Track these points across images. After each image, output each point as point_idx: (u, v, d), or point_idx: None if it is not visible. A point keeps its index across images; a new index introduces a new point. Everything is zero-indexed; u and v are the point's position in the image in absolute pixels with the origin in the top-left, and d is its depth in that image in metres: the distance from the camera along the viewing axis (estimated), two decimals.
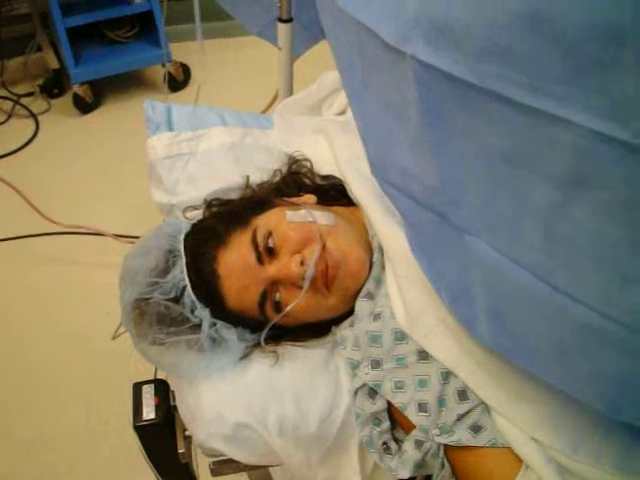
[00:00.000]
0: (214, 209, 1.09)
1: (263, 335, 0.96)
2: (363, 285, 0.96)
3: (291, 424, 0.92)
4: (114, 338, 1.23)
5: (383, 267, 0.96)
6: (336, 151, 1.08)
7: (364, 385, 0.90)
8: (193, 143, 1.24)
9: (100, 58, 3.02)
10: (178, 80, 3.12)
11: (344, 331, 0.97)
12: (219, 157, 1.22)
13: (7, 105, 3.12)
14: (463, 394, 0.84)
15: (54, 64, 3.13)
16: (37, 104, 3.13)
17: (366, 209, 0.98)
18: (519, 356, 0.69)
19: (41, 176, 2.72)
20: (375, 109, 0.67)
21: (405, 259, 0.88)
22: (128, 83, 3.17)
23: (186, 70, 3.15)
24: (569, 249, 0.53)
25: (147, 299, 0.92)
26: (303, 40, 1.64)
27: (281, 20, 1.56)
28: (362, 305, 0.94)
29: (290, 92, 1.59)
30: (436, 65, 0.51)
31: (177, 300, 0.93)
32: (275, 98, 1.65)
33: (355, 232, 0.99)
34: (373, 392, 0.90)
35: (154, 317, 0.92)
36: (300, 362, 0.97)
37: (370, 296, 0.94)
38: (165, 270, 0.94)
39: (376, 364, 0.90)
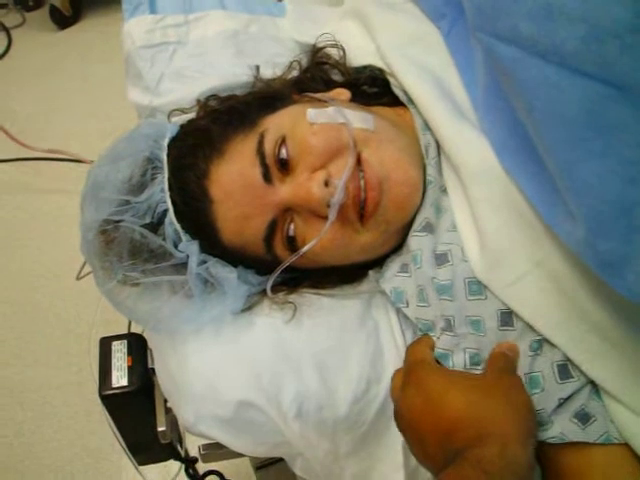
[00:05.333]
0: (211, 107, 0.81)
1: (270, 281, 0.71)
2: (415, 215, 0.70)
3: (314, 404, 0.67)
4: (79, 278, 0.99)
5: (443, 189, 0.70)
6: (377, 35, 0.80)
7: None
8: (182, 29, 0.96)
9: None
10: None
11: (396, 281, 0.70)
12: (215, 48, 0.94)
13: None
14: (564, 370, 0.60)
15: None
16: (10, 17, 2.86)
17: (424, 106, 0.71)
18: None
19: (12, 96, 2.48)
20: None
21: (487, 175, 0.63)
22: None
23: None
24: None
25: (116, 222, 0.66)
26: None
27: None
28: (421, 242, 0.68)
29: None
30: None
31: (154, 229, 0.68)
32: None
33: (404, 141, 0.72)
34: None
35: (126, 247, 0.68)
36: (325, 317, 0.72)
37: (430, 229, 0.68)
38: (141, 185, 0.69)
39: (448, 325, 0.64)
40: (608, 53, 0.41)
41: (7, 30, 2.78)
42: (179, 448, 0.94)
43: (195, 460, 1.01)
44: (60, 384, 1.64)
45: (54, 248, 1.94)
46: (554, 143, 0.49)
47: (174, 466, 1.01)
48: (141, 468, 1.18)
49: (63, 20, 2.77)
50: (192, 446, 0.97)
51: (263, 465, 1.43)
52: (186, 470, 1.00)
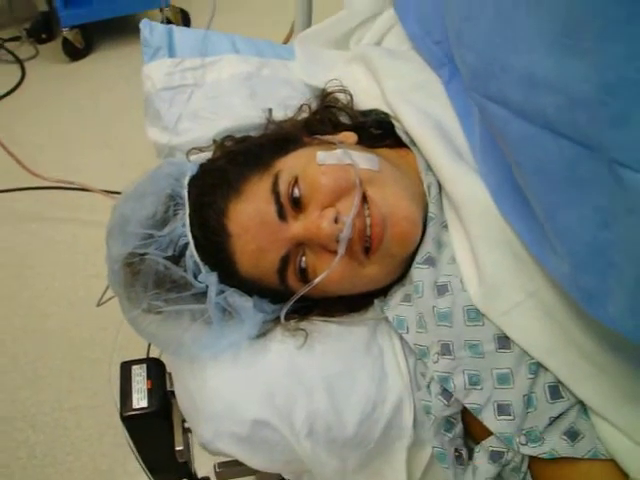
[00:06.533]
0: (227, 148, 0.87)
1: (284, 310, 0.76)
2: (417, 249, 0.75)
3: (323, 424, 0.72)
4: (99, 305, 1.04)
5: (444, 225, 0.75)
6: (382, 81, 0.86)
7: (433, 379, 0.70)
8: (199, 72, 1.02)
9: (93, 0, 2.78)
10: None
11: (399, 309, 0.76)
12: (230, 90, 1.00)
13: None
14: (555, 391, 0.65)
15: (42, 6, 2.89)
16: (24, 49, 2.91)
17: (426, 149, 0.77)
18: None
19: (25, 126, 2.51)
20: None
21: (484, 214, 0.68)
22: (122, 29, 2.92)
23: (185, 17, 2.91)
24: None
25: (142, 255, 0.71)
26: None
27: None
28: (422, 274, 0.73)
29: (308, 24, 1.35)
30: None
31: (176, 261, 0.73)
32: (291, 33, 1.41)
33: (406, 181, 0.78)
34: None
35: (150, 278, 0.73)
36: (334, 343, 0.77)
37: (431, 262, 0.74)
38: (164, 220, 0.74)
39: (446, 349, 0.69)
40: (579, 120, 0.47)
41: (21, 62, 2.83)
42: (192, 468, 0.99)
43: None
44: (72, 407, 1.67)
45: (66, 275, 1.98)
46: (538, 192, 0.55)
47: None
48: None
49: (75, 52, 2.82)
50: (200, 468, 1.01)
51: None
52: None
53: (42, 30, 2.93)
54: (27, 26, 2.93)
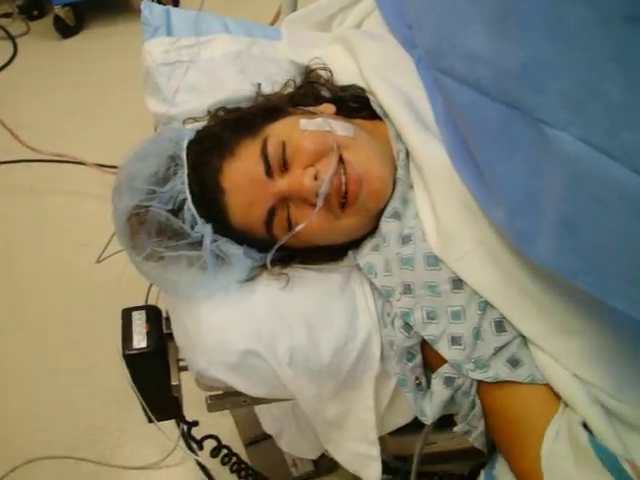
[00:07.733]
0: (221, 117, 0.98)
1: (270, 256, 0.87)
2: (386, 205, 0.86)
3: (302, 354, 0.83)
4: (99, 262, 1.14)
5: (410, 186, 0.87)
6: (360, 59, 0.97)
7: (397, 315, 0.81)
8: (194, 50, 1.12)
9: None
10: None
11: (368, 257, 0.87)
12: (222, 66, 1.10)
13: None
14: (500, 325, 0.76)
15: None
16: (15, 26, 2.98)
17: (396, 120, 0.88)
18: (586, 276, 0.61)
19: (19, 101, 2.59)
20: None
21: (443, 175, 0.80)
22: (113, 7, 3.00)
23: None
24: None
25: (147, 207, 0.82)
26: None
27: None
28: (389, 226, 0.85)
29: (294, 8, 1.45)
30: None
31: (175, 213, 0.84)
32: (278, 15, 1.51)
33: (378, 147, 0.89)
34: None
35: (154, 227, 0.82)
36: (312, 287, 0.88)
37: (397, 216, 0.85)
38: (165, 178, 0.84)
39: (407, 289, 0.80)
40: (509, 87, 0.58)
41: (12, 38, 2.88)
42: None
43: (195, 423, 1.16)
44: (67, 369, 1.76)
45: (59, 245, 2.06)
46: (479, 148, 0.66)
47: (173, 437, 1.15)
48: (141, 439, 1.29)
49: (66, 29, 2.88)
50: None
51: (253, 442, 1.57)
52: (188, 432, 1.15)
53: (34, 7, 2.99)
54: (19, 3, 2.99)
